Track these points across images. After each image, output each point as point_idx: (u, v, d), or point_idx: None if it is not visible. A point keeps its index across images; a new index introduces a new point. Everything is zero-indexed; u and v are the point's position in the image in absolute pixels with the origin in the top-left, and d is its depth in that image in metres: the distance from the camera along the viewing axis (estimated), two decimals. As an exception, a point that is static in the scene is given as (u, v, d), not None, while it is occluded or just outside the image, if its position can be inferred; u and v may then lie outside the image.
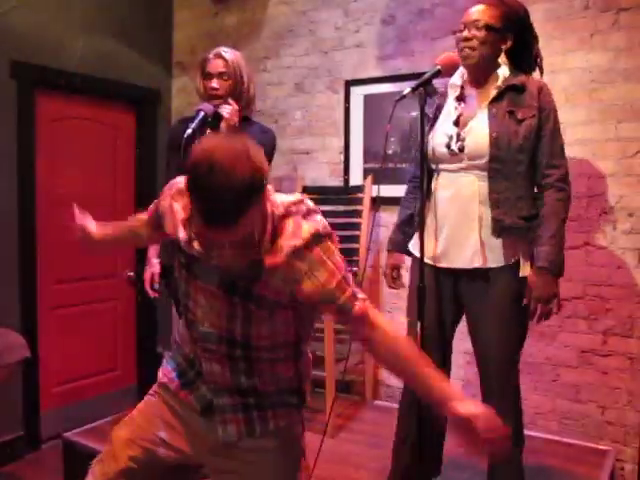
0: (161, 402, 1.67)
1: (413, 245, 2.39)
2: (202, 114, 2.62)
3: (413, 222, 2.38)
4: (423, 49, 3.41)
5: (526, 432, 2.36)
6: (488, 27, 2.13)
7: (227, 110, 2.63)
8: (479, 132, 2.15)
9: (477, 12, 2.16)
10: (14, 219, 3.30)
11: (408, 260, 2.48)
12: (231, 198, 1.21)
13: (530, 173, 2.18)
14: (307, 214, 1.43)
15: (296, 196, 1.48)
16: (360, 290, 1.46)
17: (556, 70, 3.01)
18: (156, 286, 2.88)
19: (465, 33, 2.16)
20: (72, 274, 3.72)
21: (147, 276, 2.88)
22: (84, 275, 3.80)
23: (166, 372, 1.69)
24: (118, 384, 4.02)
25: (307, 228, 1.39)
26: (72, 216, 1.87)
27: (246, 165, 1.23)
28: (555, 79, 3.01)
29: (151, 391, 1.73)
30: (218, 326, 1.49)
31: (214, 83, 2.76)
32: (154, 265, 2.87)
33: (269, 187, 1.36)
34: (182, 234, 1.45)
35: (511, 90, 2.16)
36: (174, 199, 1.50)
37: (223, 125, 2.65)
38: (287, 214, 1.41)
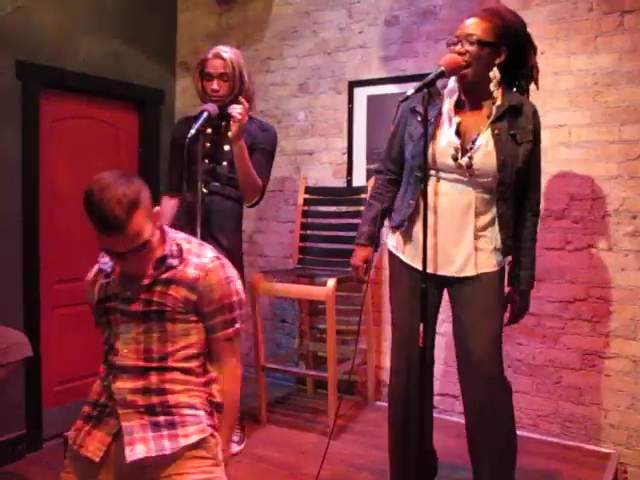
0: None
1: (396, 247, 2.38)
2: (206, 114, 2.62)
3: (387, 216, 2.43)
4: (427, 50, 3.41)
5: (528, 435, 2.36)
6: (481, 42, 2.12)
7: (238, 110, 2.62)
8: (488, 153, 2.15)
9: (471, 26, 2.15)
10: (18, 218, 3.30)
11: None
12: (115, 206, 1.53)
13: (517, 194, 2.27)
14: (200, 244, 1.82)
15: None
16: (241, 321, 1.77)
17: (560, 72, 3.01)
18: None
19: (458, 47, 2.15)
20: (75, 273, 3.72)
21: None
22: (86, 275, 3.79)
23: (70, 435, 1.77)
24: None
25: (210, 253, 1.76)
26: None
27: (124, 185, 1.58)
28: (559, 81, 3.01)
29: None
30: (136, 348, 1.69)
31: (214, 84, 2.77)
32: None
33: (155, 209, 1.68)
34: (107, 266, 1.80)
35: (510, 111, 2.18)
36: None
37: (233, 125, 2.64)
38: (186, 239, 1.79)
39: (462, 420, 2.37)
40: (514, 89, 2.29)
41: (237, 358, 1.79)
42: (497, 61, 2.18)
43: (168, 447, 1.61)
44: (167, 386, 1.67)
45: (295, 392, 3.86)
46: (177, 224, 2.83)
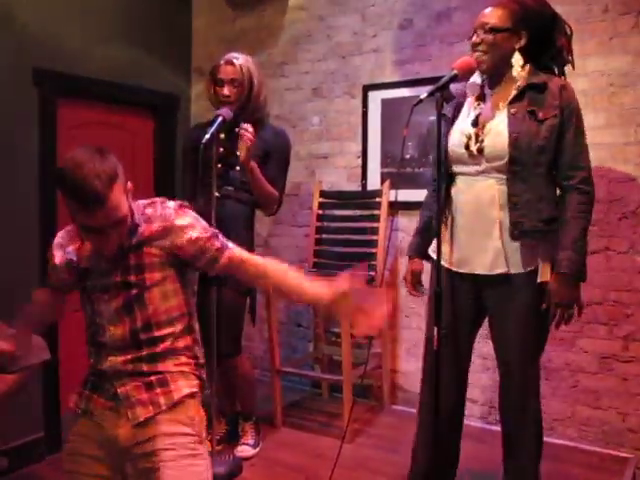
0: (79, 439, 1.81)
1: (433, 250, 2.37)
2: (220, 119, 2.64)
3: (432, 226, 2.34)
4: (440, 54, 3.41)
5: (545, 439, 2.34)
6: (494, 29, 2.12)
7: (249, 135, 2.68)
8: (498, 133, 2.12)
9: (486, 15, 2.16)
10: (35, 223, 3.34)
11: (428, 266, 2.47)
12: (94, 180, 1.53)
13: (552, 174, 2.15)
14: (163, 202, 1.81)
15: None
16: (228, 242, 1.81)
17: (575, 74, 2.98)
18: None
19: (474, 38, 2.16)
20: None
21: None
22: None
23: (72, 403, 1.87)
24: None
25: (172, 203, 1.79)
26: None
27: (100, 160, 1.58)
28: (574, 83, 2.93)
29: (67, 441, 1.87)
30: (121, 323, 1.73)
31: (225, 90, 2.81)
32: None
33: (129, 184, 1.69)
34: (70, 249, 1.81)
35: (532, 89, 2.12)
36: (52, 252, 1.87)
37: (242, 149, 2.70)
38: (150, 203, 1.79)
39: (480, 424, 2.37)
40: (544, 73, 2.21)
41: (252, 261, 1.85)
42: (517, 45, 2.15)
43: (163, 403, 1.70)
44: (156, 356, 1.73)
45: (310, 396, 3.86)
46: None
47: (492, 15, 2.14)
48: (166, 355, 1.75)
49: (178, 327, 1.77)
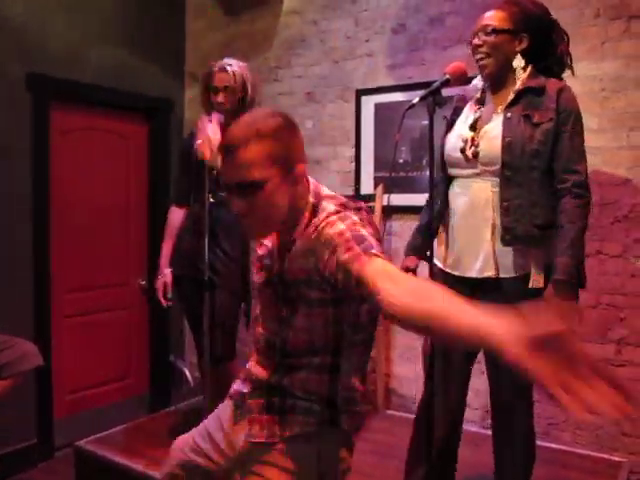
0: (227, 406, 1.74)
1: (436, 255, 2.35)
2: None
3: (432, 227, 2.31)
4: (434, 58, 3.42)
5: (539, 443, 2.34)
6: (496, 30, 2.12)
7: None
8: (492, 137, 2.12)
9: (487, 18, 2.16)
10: (29, 228, 3.33)
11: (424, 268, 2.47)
12: (246, 128, 1.38)
13: (548, 179, 2.10)
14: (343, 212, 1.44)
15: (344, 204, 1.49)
16: (377, 251, 1.31)
17: (567, 78, 2.99)
18: (169, 295, 2.90)
19: (475, 40, 2.16)
20: (85, 282, 3.76)
21: (159, 286, 2.90)
22: (97, 283, 3.83)
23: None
24: (131, 392, 4.04)
25: (331, 208, 1.44)
26: None
27: (263, 118, 1.41)
28: (566, 87, 3.00)
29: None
30: (269, 329, 1.58)
31: (220, 97, 2.81)
32: (166, 275, 2.89)
33: (312, 181, 1.50)
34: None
35: (529, 93, 2.11)
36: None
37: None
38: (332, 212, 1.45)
39: (475, 429, 2.36)
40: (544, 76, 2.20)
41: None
42: (518, 48, 2.16)
43: (278, 434, 1.52)
44: (292, 373, 1.54)
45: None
46: (184, 233, 2.88)
47: (493, 17, 2.14)
48: (296, 385, 1.57)
49: (317, 360, 1.54)
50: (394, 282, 1.21)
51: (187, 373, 3.97)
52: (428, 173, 2.45)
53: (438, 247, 2.29)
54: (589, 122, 2.95)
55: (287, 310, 1.51)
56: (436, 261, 2.28)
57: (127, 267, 4.02)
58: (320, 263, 1.38)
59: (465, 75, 2.14)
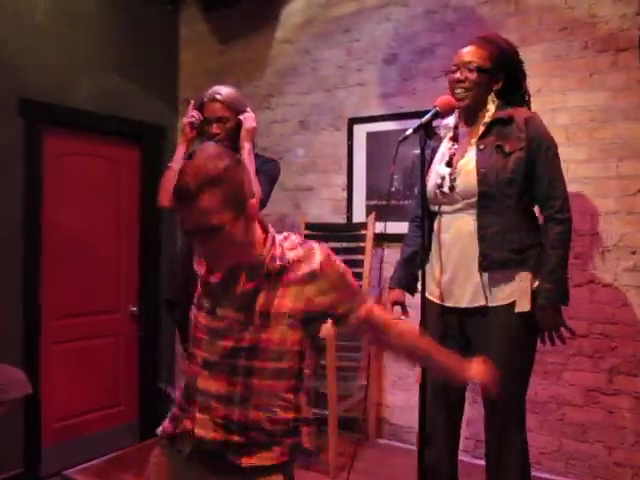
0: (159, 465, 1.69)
1: (420, 284, 2.40)
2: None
3: (416, 260, 2.39)
4: (425, 87, 3.46)
5: (533, 473, 2.32)
6: (480, 69, 2.19)
7: (251, 119, 2.70)
8: (468, 172, 2.18)
9: (469, 53, 2.22)
10: (19, 253, 3.31)
11: (410, 299, 2.47)
12: (187, 176, 1.39)
13: (522, 205, 2.19)
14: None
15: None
16: (368, 297, 1.60)
17: (556, 108, 3.04)
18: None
19: (458, 75, 2.22)
20: (75, 309, 3.72)
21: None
22: (86, 310, 3.79)
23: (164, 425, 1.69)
24: (120, 419, 3.99)
25: (319, 252, 1.55)
26: None
27: (212, 160, 1.42)
28: (555, 117, 3.04)
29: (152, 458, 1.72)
30: (227, 342, 1.53)
31: (214, 128, 2.77)
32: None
33: (252, 201, 1.50)
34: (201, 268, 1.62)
35: (498, 124, 2.19)
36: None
37: (245, 127, 2.70)
38: (286, 237, 1.61)
39: (466, 458, 2.35)
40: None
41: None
42: (495, 87, 2.24)
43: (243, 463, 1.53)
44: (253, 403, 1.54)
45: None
46: (178, 257, 2.87)
47: (475, 54, 2.21)
48: (261, 400, 1.58)
49: (285, 364, 1.59)
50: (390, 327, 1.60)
51: (177, 400, 3.92)
52: (414, 204, 2.51)
53: (427, 280, 2.31)
54: (578, 152, 3.01)
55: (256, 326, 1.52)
56: (427, 294, 2.30)
57: (117, 293, 3.99)
58: (310, 306, 1.52)
59: (454, 108, 2.20)
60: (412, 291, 2.47)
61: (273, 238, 1.57)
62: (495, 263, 2.15)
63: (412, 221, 2.53)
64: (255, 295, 1.52)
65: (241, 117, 2.73)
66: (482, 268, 2.16)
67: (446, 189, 2.21)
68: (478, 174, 2.15)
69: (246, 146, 2.74)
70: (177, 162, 2.67)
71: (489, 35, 2.35)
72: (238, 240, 1.47)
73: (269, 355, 1.52)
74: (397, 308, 2.48)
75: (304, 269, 1.52)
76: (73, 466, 3.10)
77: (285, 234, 1.63)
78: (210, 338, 1.57)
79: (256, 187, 2.81)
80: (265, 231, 1.59)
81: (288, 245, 1.57)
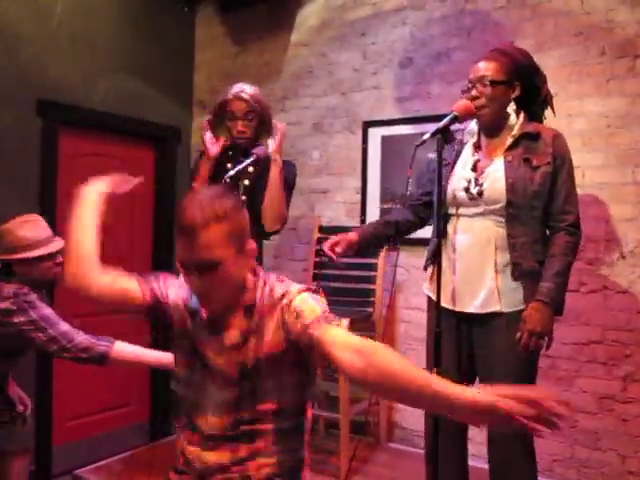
0: None
1: (427, 287, 2.40)
2: (254, 157, 2.56)
3: (392, 229, 2.53)
4: (440, 91, 3.45)
5: (544, 480, 2.31)
6: (494, 82, 2.20)
7: (283, 129, 2.75)
8: (496, 178, 2.20)
9: (482, 68, 2.23)
10: (34, 254, 3.33)
11: (415, 301, 2.47)
12: (195, 210, 1.41)
13: (544, 218, 2.22)
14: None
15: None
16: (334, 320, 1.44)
17: (573, 114, 3.03)
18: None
19: (473, 92, 2.23)
20: (87, 308, 3.72)
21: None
22: (99, 309, 3.80)
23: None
24: (131, 419, 4.00)
25: (296, 287, 1.53)
26: None
27: (217, 198, 1.45)
28: (572, 123, 3.03)
29: None
30: (225, 404, 1.54)
31: (240, 126, 2.73)
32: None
33: (250, 244, 1.51)
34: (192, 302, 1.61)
35: (526, 138, 2.22)
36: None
37: (277, 141, 2.72)
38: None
39: (473, 463, 2.34)
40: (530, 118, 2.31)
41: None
42: (512, 95, 2.26)
43: None
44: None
45: (306, 432, 3.81)
46: None
47: (488, 68, 2.22)
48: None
49: (286, 423, 1.63)
50: (354, 353, 1.33)
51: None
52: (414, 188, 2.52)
53: (431, 282, 2.33)
54: (595, 158, 2.99)
55: (249, 384, 1.52)
56: (432, 295, 2.31)
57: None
58: (288, 334, 1.48)
59: (473, 114, 2.21)
60: (366, 251, 2.56)
61: (264, 281, 1.57)
62: (523, 273, 2.17)
63: (407, 204, 2.59)
64: (245, 344, 1.53)
65: (278, 124, 2.71)
66: (514, 277, 2.17)
67: (474, 192, 2.22)
68: (507, 183, 2.17)
69: (278, 160, 2.70)
70: (200, 181, 2.66)
71: (501, 47, 2.35)
72: (233, 281, 1.49)
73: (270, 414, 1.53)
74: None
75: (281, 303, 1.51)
76: (84, 465, 3.11)
77: (268, 277, 1.60)
78: (200, 387, 1.61)
79: (284, 199, 2.77)
80: (255, 275, 1.59)
81: (269, 287, 1.56)
